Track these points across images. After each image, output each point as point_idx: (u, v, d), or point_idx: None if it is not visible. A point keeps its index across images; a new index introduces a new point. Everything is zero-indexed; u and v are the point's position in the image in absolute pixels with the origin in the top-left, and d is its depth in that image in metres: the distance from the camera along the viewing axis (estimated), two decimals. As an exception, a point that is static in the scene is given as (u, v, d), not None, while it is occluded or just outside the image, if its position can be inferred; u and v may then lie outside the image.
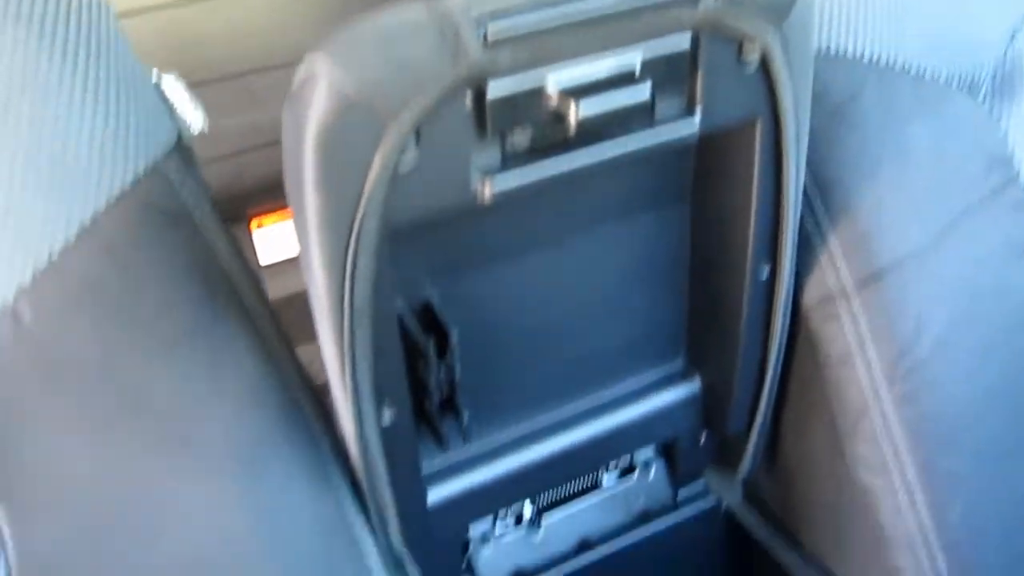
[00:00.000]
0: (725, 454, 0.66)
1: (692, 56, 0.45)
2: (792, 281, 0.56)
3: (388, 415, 0.48)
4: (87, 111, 0.46)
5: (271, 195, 1.24)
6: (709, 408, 0.63)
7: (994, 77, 0.61)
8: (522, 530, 0.63)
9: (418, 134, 0.41)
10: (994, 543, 0.56)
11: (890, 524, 0.57)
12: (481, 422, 0.57)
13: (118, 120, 0.47)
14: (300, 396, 0.51)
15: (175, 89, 0.52)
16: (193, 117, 0.52)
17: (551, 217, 0.53)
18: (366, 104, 0.39)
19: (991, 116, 0.60)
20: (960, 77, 0.60)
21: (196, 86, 1.17)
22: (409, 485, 0.52)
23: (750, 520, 0.69)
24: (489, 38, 0.39)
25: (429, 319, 0.51)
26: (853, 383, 0.57)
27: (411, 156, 0.41)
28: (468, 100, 0.41)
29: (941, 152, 0.58)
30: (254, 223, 1.30)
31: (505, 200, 0.49)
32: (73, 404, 0.44)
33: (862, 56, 0.57)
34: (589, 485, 0.65)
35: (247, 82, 1.19)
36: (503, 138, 0.44)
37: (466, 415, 0.52)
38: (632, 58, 0.43)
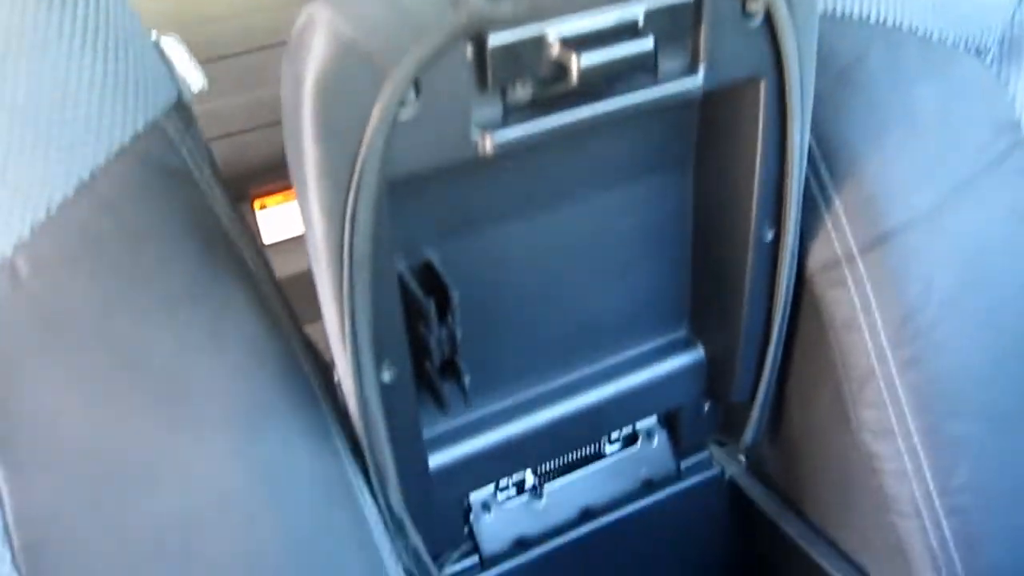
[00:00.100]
0: (728, 425, 0.66)
1: (696, 8, 0.44)
2: (796, 245, 0.56)
3: (388, 373, 0.48)
4: (86, 63, 0.45)
5: (274, 175, 1.24)
6: (712, 377, 0.63)
7: (1002, 41, 0.60)
8: (524, 498, 0.63)
9: (418, 84, 0.40)
10: (1000, 508, 0.56)
11: (894, 490, 0.56)
12: (482, 387, 0.56)
13: (117, 74, 0.47)
14: (300, 356, 0.50)
15: (174, 48, 0.52)
16: (192, 76, 0.52)
17: (553, 179, 0.52)
18: (365, 51, 0.39)
19: (999, 80, 0.59)
20: (967, 40, 0.59)
21: (200, 64, 1.16)
22: (409, 447, 0.52)
23: (754, 490, 0.68)
24: (490, -14, 0.39)
25: (430, 280, 0.51)
26: (859, 348, 0.56)
27: (411, 106, 0.40)
28: (469, 51, 0.41)
29: (948, 115, 0.57)
30: (257, 203, 1.30)
31: (507, 159, 0.48)
32: (70, 359, 0.44)
33: (868, 17, 0.56)
34: (592, 455, 0.65)
35: (251, 60, 1.19)
36: (504, 91, 0.43)
37: (467, 377, 0.52)
38: (635, 10, 0.43)
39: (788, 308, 0.58)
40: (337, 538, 0.48)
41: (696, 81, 0.46)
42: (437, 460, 0.56)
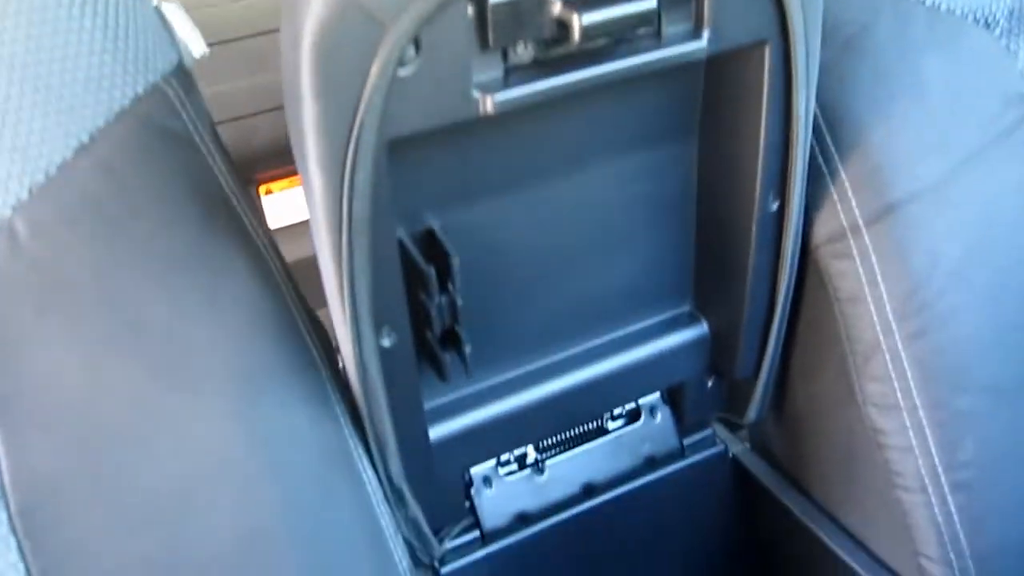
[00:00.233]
0: (732, 401, 0.66)
1: None
2: (801, 217, 0.55)
3: (388, 339, 0.47)
4: (86, 25, 0.45)
5: (280, 159, 1.23)
6: (716, 352, 0.62)
7: (1011, 13, 0.60)
8: (526, 474, 0.63)
9: (418, 42, 0.40)
10: (1006, 483, 0.55)
11: (899, 465, 0.56)
12: (484, 360, 0.56)
13: (117, 37, 0.46)
14: (300, 322, 0.50)
15: (175, 14, 0.52)
16: (193, 42, 0.52)
17: (556, 148, 0.52)
18: (365, 7, 0.38)
19: (1008, 52, 0.59)
20: (976, 11, 0.58)
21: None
22: (409, 416, 0.51)
23: (757, 467, 0.68)
24: (491, -59, 0.39)
25: (432, 248, 0.50)
26: (864, 320, 0.56)
27: (411, 64, 0.40)
28: (470, 8, 0.40)
29: (956, 87, 0.56)
30: (263, 189, 1.30)
31: (509, 126, 0.48)
32: (69, 321, 0.44)
33: (876, -15, 0.56)
34: (594, 431, 0.64)
35: (256, 44, 1.19)
36: (506, 52, 0.43)
37: (468, 347, 0.52)
38: None
39: (793, 281, 0.57)
40: (336, 504, 0.48)
41: (700, 44, 0.45)
42: (438, 432, 0.55)
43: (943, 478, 0.55)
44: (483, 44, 0.41)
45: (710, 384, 0.64)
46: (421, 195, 0.49)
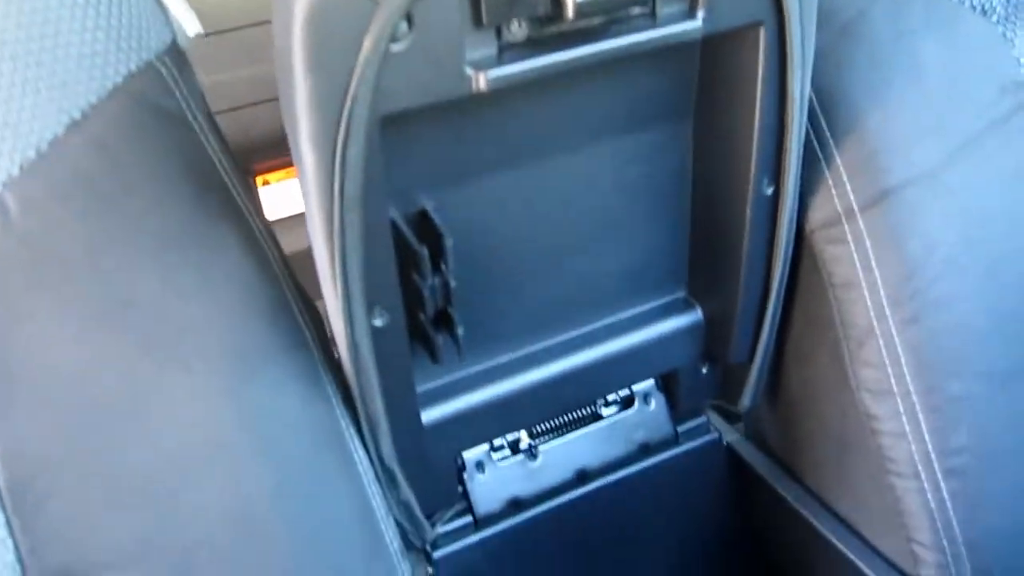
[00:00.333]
0: (726, 389, 0.65)
1: None
2: (796, 201, 0.55)
3: (380, 319, 0.47)
4: (79, 0, 0.45)
5: (277, 151, 1.23)
6: (710, 338, 0.62)
7: (1008, 0, 0.59)
8: (519, 459, 0.62)
9: (410, 17, 0.40)
10: (999, 469, 0.55)
11: (892, 451, 0.56)
12: (477, 344, 0.56)
13: (110, 14, 0.46)
14: (293, 302, 0.50)
15: (169, -8, 0.51)
16: (188, 21, 0.51)
17: (551, 130, 0.52)
18: None
19: (1004, 39, 0.59)
20: (973, -2, 0.58)
21: (202, 38, 1.16)
22: (401, 397, 0.51)
23: (751, 455, 0.68)
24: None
25: (425, 228, 0.50)
26: (858, 306, 0.56)
27: (403, 39, 0.40)
28: None
29: (952, 73, 0.56)
30: (260, 180, 1.30)
31: (504, 106, 0.48)
32: (60, 298, 0.44)
33: (872, -29, 0.56)
34: (588, 417, 0.64)
35: (253, 35, 1.19)
36: (499, 31, 0.43)
37: (461, 328, 0.51)
38: None
39: (787, 266, 0.57)
40: (327, 484, 0.48)
41: (695, 25, 0.45)
42: (430, 415, 0.55)
43: (936, 464, 0.55)
44: (476, 21, 0.41)
45: (704, 371, 0.64)
46: (415, 175, 0.49)
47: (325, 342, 0.51)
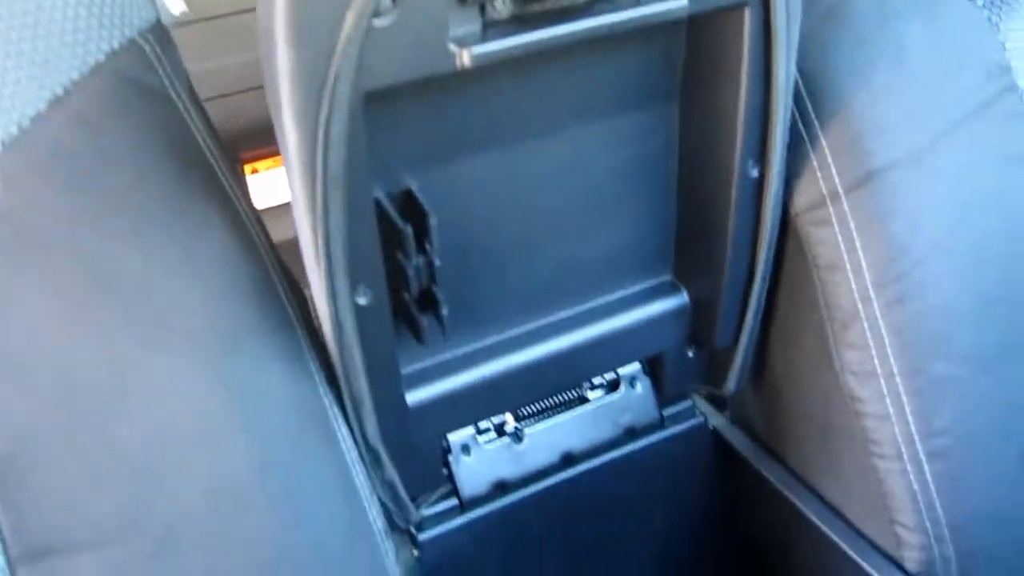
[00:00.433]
0: (712, 373, 0.66)
1: None
2: (782, 184, 0.55)
3: (364, 297, 0.47)
4: None
5: (265, 139, 1.23)
6: (696, 322, 0.62)
7: (993, -15, 0.60)
8: (505, 442, 0.62)
9: None
10: (981, 451, 0.55)
11: (876, 433, 0.56)
12: (462, 325, 0.56)
13: None
14: (276, 280, 0.50)
15: (153, -29, 0.51)
16: (172, 1, 0.51)
17: (537, 110, 0.51)
18: None
19: (989, 23, 0.59)
20: (958, -19, 0.58)
21: (190, 25, 1.15)
22: (385, 377, 0.51)
23: (736, 439, 0.68)
24: None
25: (410, 208, 0.50)
26: (842, 288, 0.56)
27: (387, 15, 0.40)
28: None
29: (937, 56, 0.56)
30: (248, 168, 1.29)
31: (489, 85, 0.48)
32: (42, 275, 0.43)
33: (858, -47, 0.56)
34: (574, 400, 0.64)
35: (242, 21, 1.18)
36: (484, 6, 0.42)
37: (445, 308, 0.51)
38: None
39: (773, 249, 0.57)
40: (311, 462, 0.48)
41: (680, 3, 0.45)
42: (415, 397, 0.55)
43: (919, 446, 0.55)
44: None
45: (690, 355, 0.64)
46: (399, 154, 0.49)
47: (309, 322, 0.51)
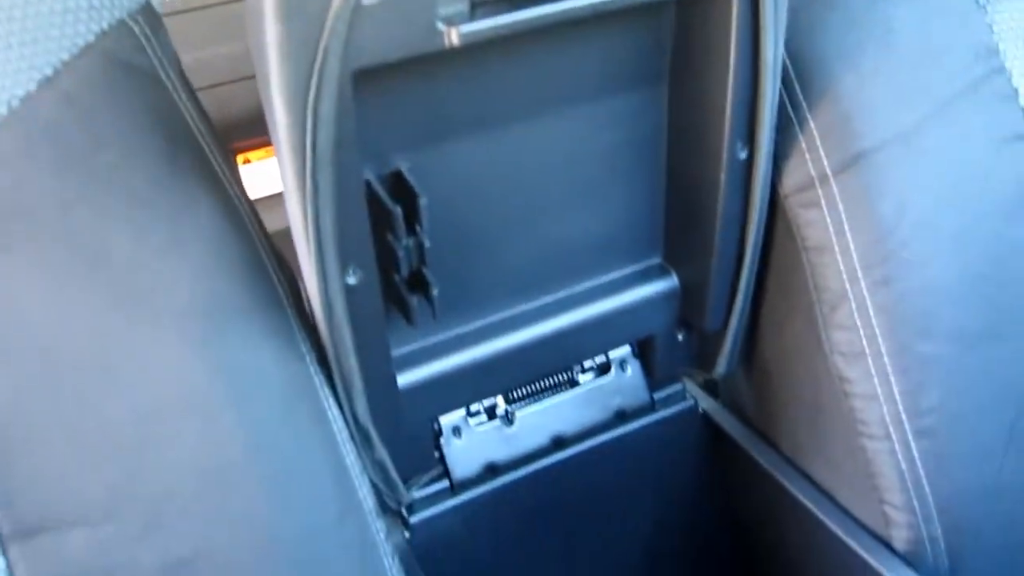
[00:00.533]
0: (702, 356, 0.66)
1: None
2: (770, 165, 0.55)
3: (354, 277, 0.47)
4: None
5: (257, 128, 1.23)
6: (686, 305, 0.62)
7: (981, -33, 0.60)
8: (495, 424, 0.63)
9: None
10: (968, 429, 0.56)
11: (864, 413, 0.56)
12: (452, 308, 0.56)
13: None
14: (266, 260, 0.50)
15: (143, -48, 0.51)
16: (161, -19, 0.51)
17: (526, 92, 0.52)
18: None
19: (977, 6, 0.59)
20: (946, -36, 0.59)
21: (180, 14, 1.15)
22: (376, 357, 0.51)
23: (726, 422, 0.68)
24: None
25: (400, 189, 0.50)
26: (831, 269, 0.56)
27: None
28: None
29: (926, 37, 0.57)
30: (240, 158, 1.29)
31: (477, 64, 0.48)
32: (31, 254, 0.44)
33: (846, -66, 0.56)
34: (565, 383, 0.65)
35: (235, 10, 1.18)
36: None
37: (435, 290, 0.52)
38: None
39: (762, 232, 0.58)
40: (301, 441, 0.48)
41: None
42: (406, 379, 0.55)
43: (907, 425, 0.55)
44: None
45: (680, 338, 0.65)
46: (389, 135, 0.49)
47: (300, 302, 0.51)
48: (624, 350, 0.65)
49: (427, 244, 0.50)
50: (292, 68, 0.40)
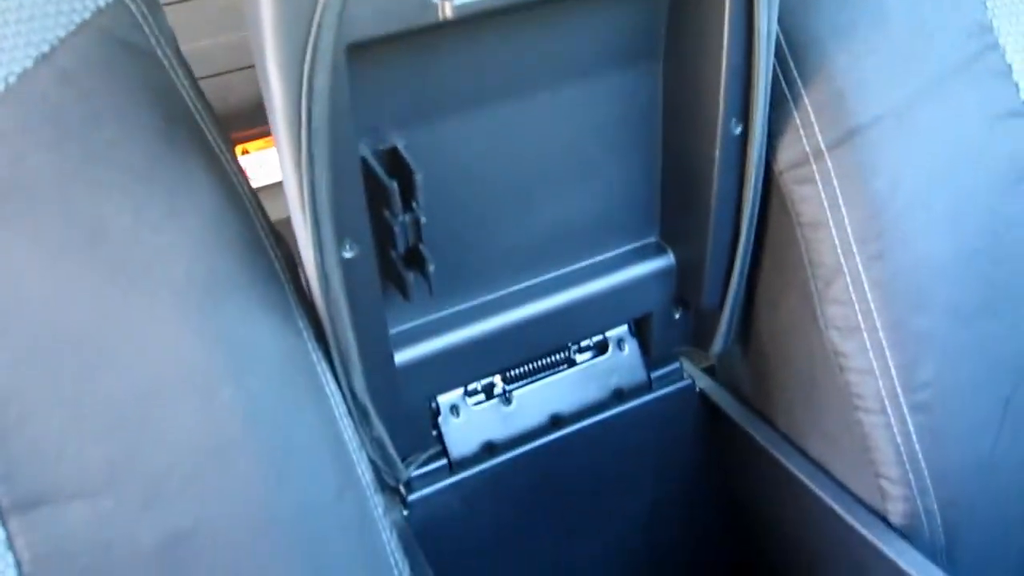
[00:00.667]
0: (699, 335, 0.66)
1: None
2: (764, 141, 0.56)
3: (350, 251, 0.47)
4: None
5: (256, 118, 1.23)
6: (682, 283, 0.63)
7: (974, -57, 0.60)
8: (493, 403, 0.63)
9: None
10: (964, 403, 0.56)
11: (860, 387, 0.57)
12: (449, 286, 0.56)
13: None
14: (263, 236, 0.50)
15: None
16: (157, -40, 0.51)
17: (521, 68, 0.52)
18: None
19: (970, -18, 0.59)
20: (940, -60, 0.59)
21: (179, 4, 1.14)
22: (373, 333, 0.51)
23: (723, 400, 0.69)
24: None
25: (395, 165, 0.50)
26: (826, 244, 0.56)
27: None
28: None
29: (919, 14, 0.57)
30: (239, 149, 1.29)
31: (472, 39, 0.48)
32: (29, 229, 0.44)
33: (839, -89, 0.56)
34: (562, 363, 0.65)
35: (233, 1, 1.18)
36: None
37: (432, 266, 0.52)
38: None
39: (757, 208, 0.58)
40: (298, 415, 0.48)
41: None
42: (403, 356, 0.55)
43: (902, 399, 0.56)
44: None
45: (677, 316, 0.65)
46: (385, 111, 0.49)
47: (296, 277, 0.52)
48: (621, 329, 0.66)
49: (423, 220, 0.50)
50: (286, 40, 0.41)
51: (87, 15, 0.47)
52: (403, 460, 0.58)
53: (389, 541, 0.52)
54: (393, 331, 0.55)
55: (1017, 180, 0.58)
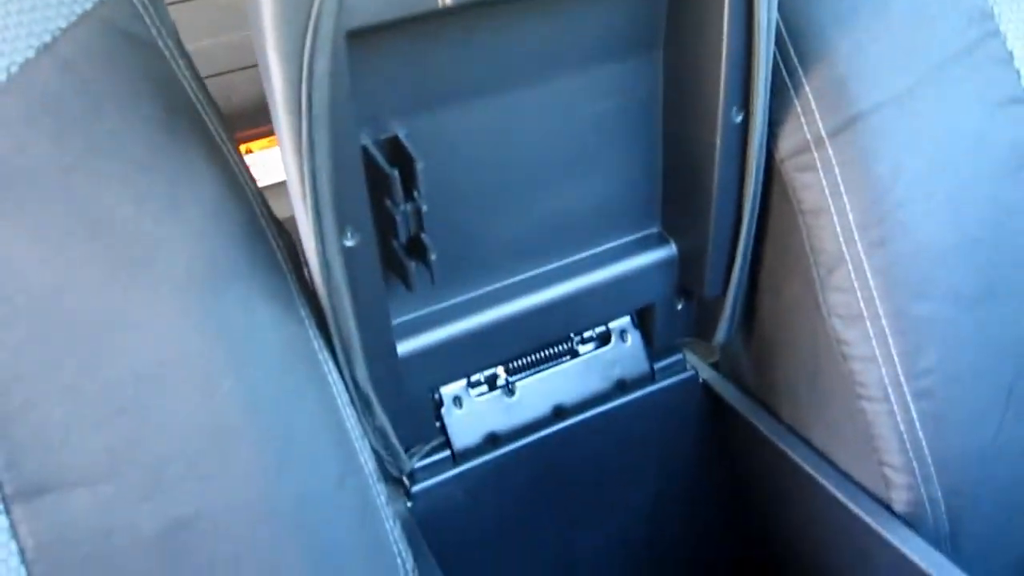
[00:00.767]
0: (701, 325, 0.66)
1: None
2: (765, 130, 0.56)
3: (351, 239, 0.48)
4: None
5: (259, 118, 1.23)
6: (685, 273, 0.63)
7: (975, -70, 0.60)
8: (496, 395, 0.63)
9: None
10: (967, 390, 0.56)
11: (863, 375, 0.57)
12: (451, 275, 0.56)
13: None
14: (265, 225, 0.50)
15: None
16: (158, -49, 0.52)
17: (521, 57, 0.52)
18: None
19: (971, -30, 0.59)
20: (940, -73, 0.59)
21: (182, 3, 1.15)
22: (375, 322, 0.51)
23: (726, 391, 0.68)
24: None
25: (397, 154, 0.50)
26: (827, 232, 0.56)
27: None
28: None
29: (920, 1, 0.57)
30: (243, 148, 1.29)
31: (473, 29, 0.48)
32: (30, 219, 0.44)
33: None
34: (565, 354, 0.65)
35: (235, 0, 1.18)
36: None
37: (433, 255, 0.52)
38: None
39: (758, 196, 0.58)
40: (300, 403, 0.48)
41: None
42: (406, 347, 0.55)
43: (905, 386, 0.55)
44: None
45: (679, 307, 0.65)
46: (386, 100, 0.49)
47: (298, 267, 0.52)
48: (624, 320, 0.66)
49: (425, 209, 0.50)
50: (286, 27, 0.41)
51: (89, 5, 0.47)
52: (407, 451, 0.59)
53: (392, 530, 0.52)
54: (395, 322, 0.55)
55: (1018, 167, 0.58)
